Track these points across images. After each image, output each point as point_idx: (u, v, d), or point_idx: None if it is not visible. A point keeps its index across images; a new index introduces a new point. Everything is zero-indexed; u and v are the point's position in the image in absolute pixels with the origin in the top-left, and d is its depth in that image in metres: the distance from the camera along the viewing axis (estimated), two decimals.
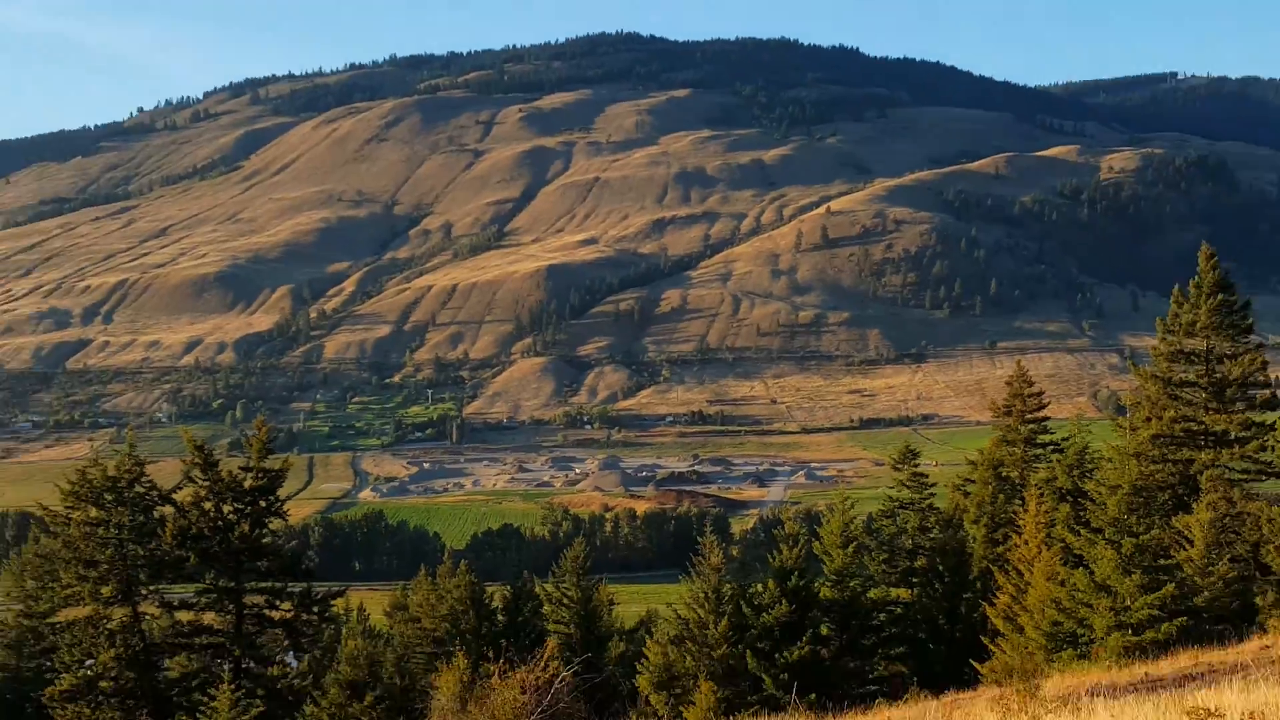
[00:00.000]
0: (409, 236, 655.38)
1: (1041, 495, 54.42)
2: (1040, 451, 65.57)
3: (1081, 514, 51.80)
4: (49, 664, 55.36)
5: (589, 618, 64.92)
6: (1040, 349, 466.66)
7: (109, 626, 52.64)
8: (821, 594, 53.82)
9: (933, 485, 67.19)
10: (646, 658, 54.71)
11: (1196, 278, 56.68)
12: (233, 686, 47.34)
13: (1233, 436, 54.98)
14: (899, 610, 57.89)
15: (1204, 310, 56.03)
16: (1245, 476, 53.57)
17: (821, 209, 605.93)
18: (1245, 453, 54.44)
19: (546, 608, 67.75)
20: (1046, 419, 68.67)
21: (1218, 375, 55.80)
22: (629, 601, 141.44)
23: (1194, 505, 49.01)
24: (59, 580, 53.87)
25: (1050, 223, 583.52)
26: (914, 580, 60.43)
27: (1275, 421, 54.65)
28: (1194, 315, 56.33)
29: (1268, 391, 56.22)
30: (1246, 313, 56.56)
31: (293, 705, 52.68)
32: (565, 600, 66.27)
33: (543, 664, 28.51)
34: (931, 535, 61.91)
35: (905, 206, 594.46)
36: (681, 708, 49.07)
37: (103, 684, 51.74)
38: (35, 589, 57.24)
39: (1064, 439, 65.22)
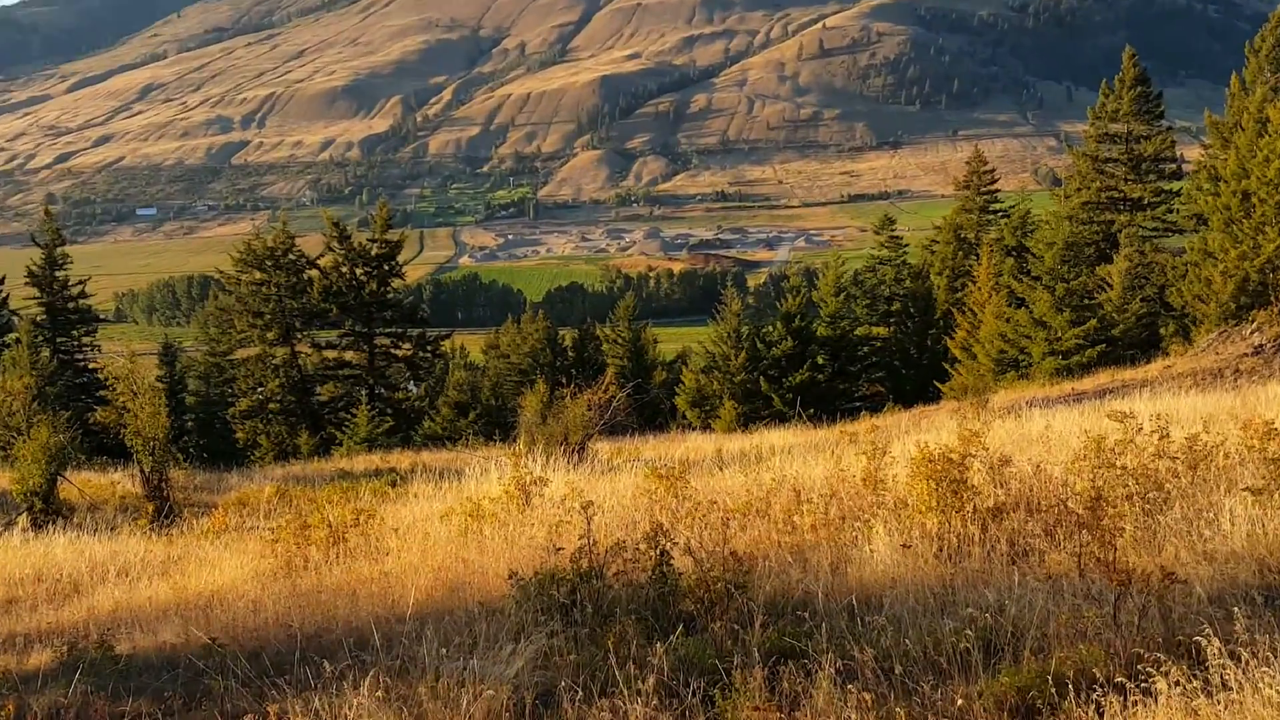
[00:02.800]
0: (491, 54, 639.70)
1: (992, 251, 54.29)
2: (991, 217, 65.11)
3: (1024, 265, 51.45)
4: (231, 390, 57.34)
5: (637, 353, 65.40)
6: (992, 135, 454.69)
7: (274, 362, 54.23)
8: (818, 332, 54.12)
9: (905, 246, 67.49)
10: (683, 383, 56.02)
11: (1120, 73, 55.86)
12: (369, 407, 48.97)
13: (1145, 202, 54.77)
14: (878, 344, 58.48)
15: (1126, 100, 55.31)
16: (1154, 233, 53.48)
17: (818, 25, 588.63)
18: (1155, 215, 54.50)
19: (605, 346, 67.80)
20: (996, 191, 68.12)
21: (1135, 153, 55.28)
22: (667, 341, 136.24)
23: (1114, 257, 48.84)
24: (234, 327, 55.13)
25: (1002, 31, 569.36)
26: (891, 320, 60.99)
27: (1179, 189, 54.31)
28: (1117, 104, 55.63)
29: (1174, 165, 55.64)
30: (1159, 102, 55.88)
31: (414, 420, 54.08)
32: (619, 340, 66.81)
33: (603, 388, 28.40)
34: (904, 285, 62.31)
35: (886, 21, 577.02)
36: (710, 420, 50.36)
37: (271, 405, 53.78)
38: (217, 334, 58.43)
39: (1010, 206, 64.41)
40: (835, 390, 52.56)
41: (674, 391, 57.80)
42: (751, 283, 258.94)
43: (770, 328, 54.60)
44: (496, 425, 48.97)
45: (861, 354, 56.75)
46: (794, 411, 43.62)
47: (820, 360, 52.92)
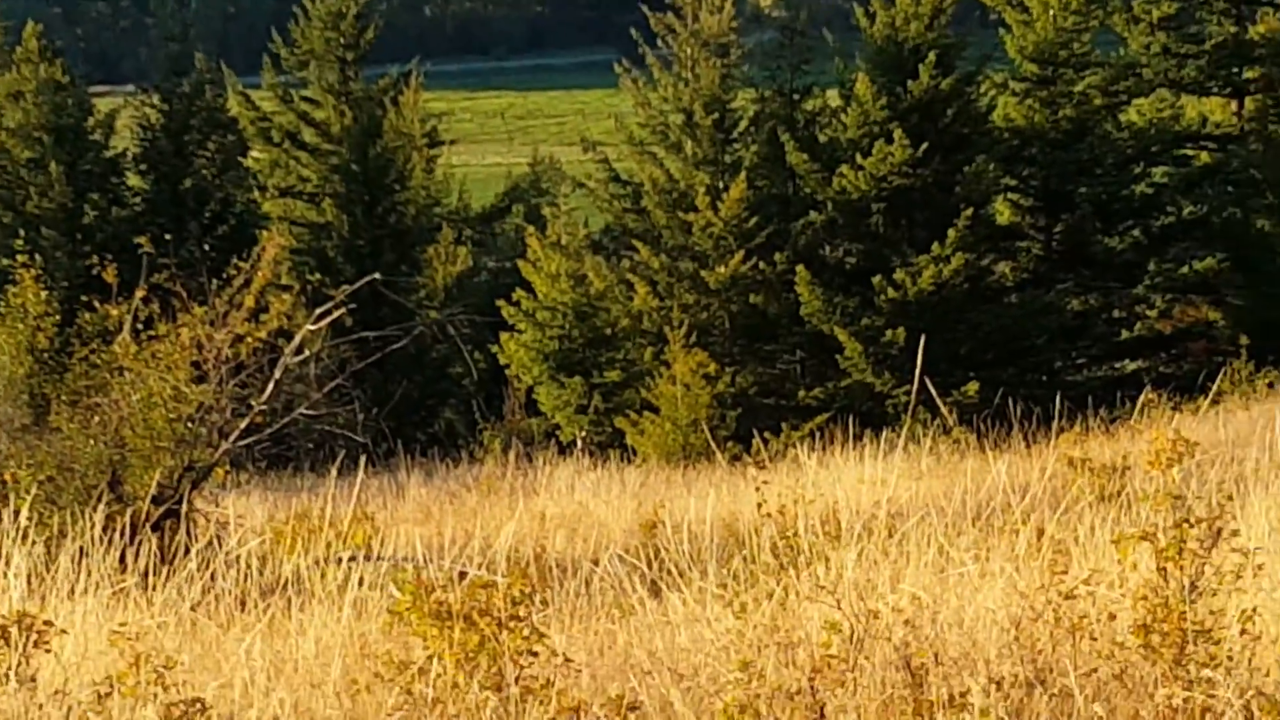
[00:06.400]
0: None
1: None
2: None
3: None
4: None
5: (372, 172, 28.15)
6: None
7: None
8: (999, 113, 23.79)
9: None
10: (528, 289, 24.88)
11: None
12: None
13: None
14: (1204, 158, 24.47)
15: None
16: None
17: None
18: None
19: (258, 154, 29.33)
20: None
21: None
22: (483, 136, 76.39)
23: None
24: None
25: None
26: (1246, 79, 24.93)
27: None
28: None
29: None
30: None
31: None
32: (310, 124, 28.68)
33: (252, 294, 8.13)
34: None
35: None
36: (619, 420, 21.49)
37: None
38: None
39: None
40: (1050, 314, 22.65)
41: (497, 316, 24.63)
42: None
43: (834, 94, 23.73)
44: None
45: (1145, 190, 23.80)
46: (910, 394, 16.52)
47: (1004, 213, 23.33)
